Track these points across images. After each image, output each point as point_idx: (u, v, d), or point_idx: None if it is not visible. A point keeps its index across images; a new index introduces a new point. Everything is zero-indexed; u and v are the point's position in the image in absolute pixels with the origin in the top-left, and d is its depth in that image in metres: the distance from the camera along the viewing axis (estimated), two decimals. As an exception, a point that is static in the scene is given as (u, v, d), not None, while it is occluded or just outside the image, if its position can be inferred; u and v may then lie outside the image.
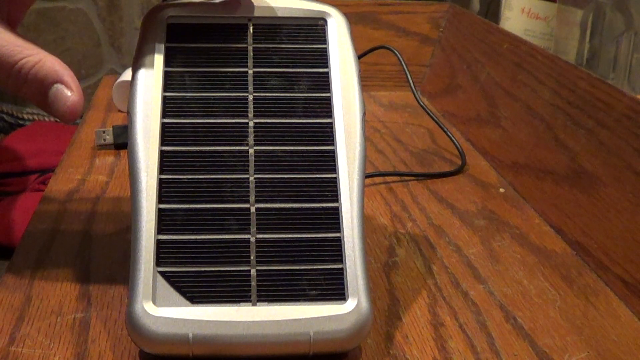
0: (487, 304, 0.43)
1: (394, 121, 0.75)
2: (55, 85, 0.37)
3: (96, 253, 0.46)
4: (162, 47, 0.40)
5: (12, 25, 0.39)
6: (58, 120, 0.40)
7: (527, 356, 0.38)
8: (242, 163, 0.38)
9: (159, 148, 0.38)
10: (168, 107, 0.39)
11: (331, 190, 0.38)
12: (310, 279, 0.36)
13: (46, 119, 1.82)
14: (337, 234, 0.37)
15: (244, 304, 0.35)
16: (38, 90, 0.37)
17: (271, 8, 0.41)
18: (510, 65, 0.66)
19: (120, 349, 0.37)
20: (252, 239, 0.37)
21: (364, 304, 0.36)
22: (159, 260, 0.36)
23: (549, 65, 0.59)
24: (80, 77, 1.88)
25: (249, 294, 0.36)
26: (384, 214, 0.54)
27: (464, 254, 0.48)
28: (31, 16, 1.82)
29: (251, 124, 0.39)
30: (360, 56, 0.68)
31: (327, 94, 0.40)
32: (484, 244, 0.50)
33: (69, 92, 0.37)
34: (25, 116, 1.80)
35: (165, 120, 0.39)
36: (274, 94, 0.40)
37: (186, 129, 0.39)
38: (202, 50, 0.40)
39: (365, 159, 0.39)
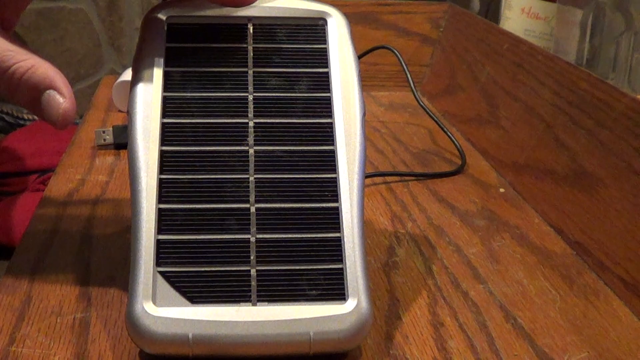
0: (487, 304, 0.43)
1: (394, 121, 0.75)
2: (48, 92, 0.37)
3: (96, 253, 0.46)
4: (162, 47, 0.40)
5: (6, 30, 0.39)
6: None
7: (527, 356, 0.38)
8: (242, 163, 0.38)
9: (159, 148, 0.38)
10: (168, 107, 0.39)
11: (331, 190, 0.38)
12: (310, 279, 0.36)
13: (46, 119, 1.81)
14: (337, 234, 0.37)
15: (244, 304, 0.35)
16: (30, 96, 0.37)
17: (271, 8, 0.41)
18: (510, 65, 0.66)
19: (120, 349, 0.37)
20: (252, 239, 0.37)
21: (364, 304, 0.36)
22: (159, 260, 0.36)
23: (549, 65, 0.59)
24: (80, 77, 1.88)
25: (249, 294, 0.36)
26: (384, 214, 0.54)
27: (464, 254, 0.48)
28: (31, 16, 1.82)
29: (251, 124, 0.39)
30: (360, 56, 0.68)
31: (327, 94, 0.40)
32: (484, 244, 0.50)
33: (61, 99, 0.37)
34: (25, 116, 1.80)
35: (165, 120, 0.39)
36: (274, 94, 0.40)
37: (186, 129, 0.39)
38: (202, 50, 0.40)
39: (365, 159, 0.39)
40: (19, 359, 0.36)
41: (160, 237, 0.36)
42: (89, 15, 1.88)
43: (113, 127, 0.64)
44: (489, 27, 0.74)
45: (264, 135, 0.39)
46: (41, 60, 0.38)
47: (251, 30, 0.41)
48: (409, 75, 0.70)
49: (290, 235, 0.37)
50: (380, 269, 0.46)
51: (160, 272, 0.36)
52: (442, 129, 0.66)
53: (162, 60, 0.40)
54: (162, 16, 0.41)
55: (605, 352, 0.39)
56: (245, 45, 0.41)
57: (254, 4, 0.41)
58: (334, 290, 0.36)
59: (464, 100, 0.73)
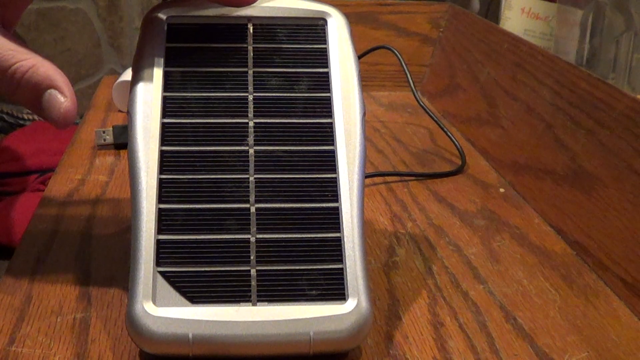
0: (487, 304, 0.43)
1: (394, 121, 0.75)
2: (49, 91, 0.37)
3: (96, 253, 0.46)
4: (162, 47, 0.40)
5: (7, 29, 0.39)
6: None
7: (527, 356, 0.38)
8: (242, 163, 0.38)
9: (159, 148, 0.38)
10: (168, 107, 0.39)
11: (331, 190, 0.38)
12: (310, 279, 0.36)
13: (46, 119, 1.81)
14: (337, 234, 0.37)
15: (244, 304, 0.35)
16: (32, 95, 0.37)
17: (271, 8, 0.41)
18: (510, 65, 0.66)
19: (120, 349, 0.37)
20: (252, 239, 0.37)
21: (364, 304, 0.36)
22: (159, 260, 0.36)
23: (549, 65, 0.59)
24: (80, 77, 1.88)
25: (249, 294, 0.36)
26: (384, 214, 0.54)
27: (464, 254, 0.48)
28: (31, 16, 1.82)
29: (251, 124, 0.39)
30: (360, 56, 0.68)
31: (327, 94, 0.40)
32: (484, 244, 0.50)
33: (62, 98, 0.37)
34: (25, 116, 1.80)
35: (165, 120, 0.39)
36: (274, 94, 0.40)
37: (186, 129, 0.39)
38: (202, 50, 0.40)
39: (365, 159, 0.39)
40: (19, 359, 0.36)
41: (160, 237, 0.36)
42: (89, 15, 1.88)
43: (113, 127, 0.64)
44: (489, 27, 0.74)
45: (264, 135, 0.39)
46: (42, 60, 0.38)
47: (251, 30, 0.41)
48: (409, 75, 0.70)
49: (290, 235, 0.37)
50: (380, 269, 0.46)
51: (160, 272, 0.36)
52: (442, 129, 0.66)
53: (162, 60, 0.40)
54: (162, 16, 0.41)
55: (605, 352, 0.39)
56: (245, 45, 0.41)
57: (254, 4, 0.41)
58: (334, 290, 0.36)
59: (464, 100, 0.73)
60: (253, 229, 0.37)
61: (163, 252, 0.36)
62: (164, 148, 0.38)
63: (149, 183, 0.37)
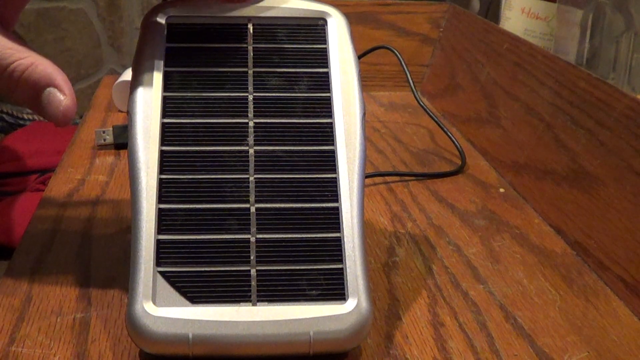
0: (487, 304, 0.43)
1: (394, 121, 0.75)
2: (48, 89, 0.37)
3: (96, 253, 0.46)
4: (162, 47, 0.40)
5: (6, 28, 0.39)
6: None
7: (527, 356, 0.38)
8: (242, 163, 0.38)
9: (159, 148, 0.38)
10: (168, 107, 0.39)
11: (331, 190, 0.38)
12: (310, 279, 0.36)
13: (46, 119, 1.81)
14: (337, 234, 0.37)
15: (244, 304, 0.35)
16: (31, 93, 0.37)
17: (271, 8, 0.41)
18: (510, 65, 0.66)
19: (120, 349, 0.37)
20: (252, 239, 0.37)
21: (364, 304, 0.36)
22: (159, 260, 0.36)
23: (549, 65, 0.59)
24: (80, 77, 1.88)
25: (249, 294, 0.36)
26: (384, 214, 0.54)
27: (464, 254, 0.48)
28: (31, 16, 1.82)
29: (251, 124, 0.39)
30: (360, 56, 0.68)
31: (327, 94, 0.40)
32: (484, 244, 0.50)
33: (61, 96, 0.37)
34: (25, 116, 1.80)
35: (165, 120, 0.39)
36: (274, 94, 0.40)
37: (186, 129, 0.39)
38: (202, 50, 0.40)
39: (365, 159, 0.39)
40: (19, 359, 0.36)
41: (160, 237, 0.36)
42: (89, 15, 1.88)
43: (113, 127, 0.64)
44: (489, 27, 0.74)
45: (264, 135, 0.39)
46: (41, 58, 0.38)
47: (251, 30, 0.41)
48: (409, 75, 0.70)
49: (290, 235, 0.37)
50: (380, 269, 0.46)
51: (160, 272, 0.36)
52: (442, 129, 0.66)
53: (162, 61, 0.40)
54: (162, 16, 0.41)
55: (605, 352, 0.39)
56: (245, 45, 0.41)
57: (254, 4, 0.41)
58: (334, 290, 0.36)
59: (464, 100, 0.73)
60: (253, 229, 0.37)
61: (163, 252, 0.36)
62: (164, 148, 0.38)
63: (149, 183, 0.37)
